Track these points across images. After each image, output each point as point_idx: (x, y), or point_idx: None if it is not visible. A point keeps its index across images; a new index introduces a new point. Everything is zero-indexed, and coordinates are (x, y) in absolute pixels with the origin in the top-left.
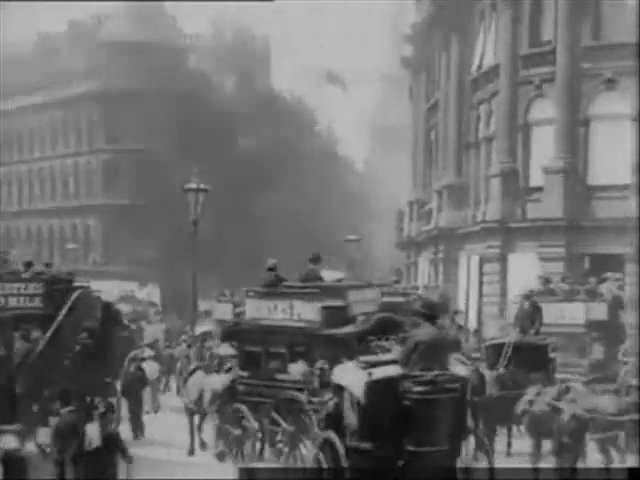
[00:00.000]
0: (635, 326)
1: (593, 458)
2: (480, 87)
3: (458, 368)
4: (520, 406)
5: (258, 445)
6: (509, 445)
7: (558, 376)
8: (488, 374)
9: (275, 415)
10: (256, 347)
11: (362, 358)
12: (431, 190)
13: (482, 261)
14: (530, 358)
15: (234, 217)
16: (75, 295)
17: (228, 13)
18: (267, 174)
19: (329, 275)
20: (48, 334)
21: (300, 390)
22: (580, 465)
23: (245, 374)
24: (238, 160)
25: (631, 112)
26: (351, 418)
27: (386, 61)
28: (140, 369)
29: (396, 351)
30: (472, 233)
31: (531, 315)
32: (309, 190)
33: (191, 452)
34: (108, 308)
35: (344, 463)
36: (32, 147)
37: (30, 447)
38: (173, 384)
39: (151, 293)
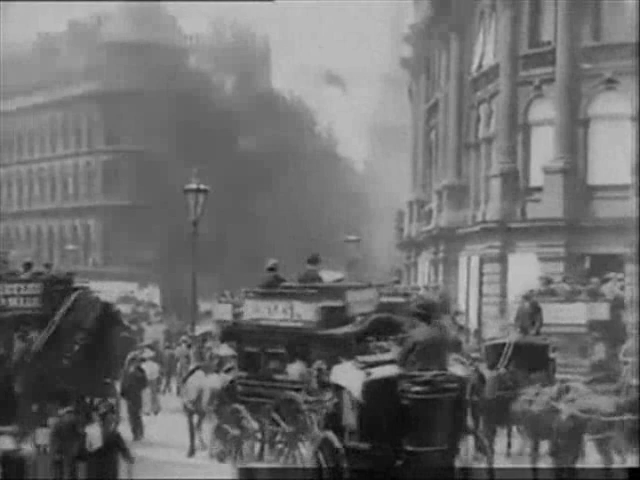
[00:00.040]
0: (636, 326)
1: (593, 458)
2: (480, 87)
3: (457, 368)
4: (518, 406)
5: (257, 445)
6: (509, 445)
7: (559, 376)
8: (488, 374)
9: (275, 415)
10: (255, 347)
11: (360, 358)
12: (431, 190)
13: (482, 261)
14: (530, 358)
15: (234, 217)
16: (74, 296)
17: (228, 13)
18: (267, 174)
19: (328, 276)
20: (45, 333)
21: (298, 390)
22: (579, 465)
23: (244, 374)
24: (238, 160)
25: (631, 112)
26: (350, 418)
27: (386, 61)
28: (140, 370)
29: (395, 351)
30: (472, 233)
31: (531, 315)
32: (309, 190)
33: (191, 453)
34: (107, 308)
35: (343, 463)
36: (32, 148)
37: (28, 448)
38: (173, 385)
39: (151, 294)
